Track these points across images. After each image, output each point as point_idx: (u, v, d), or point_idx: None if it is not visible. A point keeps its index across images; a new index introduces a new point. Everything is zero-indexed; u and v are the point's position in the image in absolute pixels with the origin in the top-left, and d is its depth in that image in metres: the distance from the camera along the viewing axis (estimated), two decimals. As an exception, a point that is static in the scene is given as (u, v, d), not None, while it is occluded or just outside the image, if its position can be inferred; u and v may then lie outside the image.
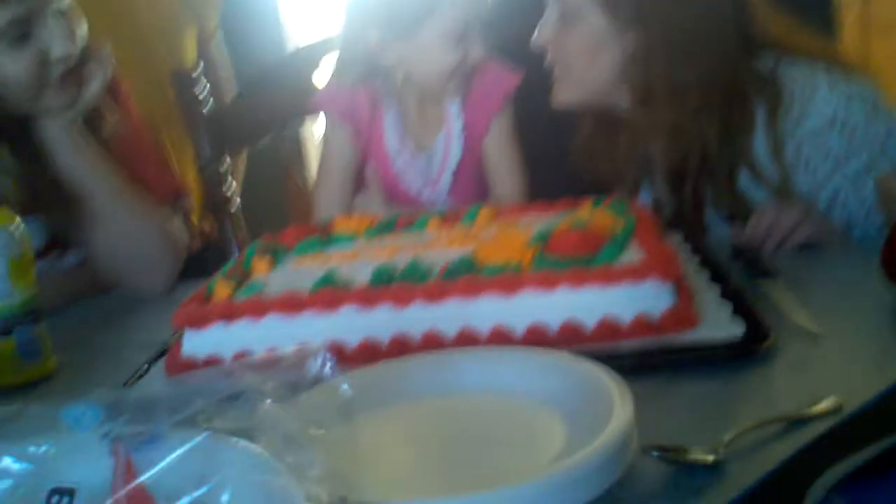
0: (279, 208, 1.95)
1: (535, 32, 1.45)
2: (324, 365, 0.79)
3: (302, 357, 0.77)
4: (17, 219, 1.11)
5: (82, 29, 1.40)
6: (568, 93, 1.46)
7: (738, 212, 1.37)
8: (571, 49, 1.43)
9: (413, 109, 1.55)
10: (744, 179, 1.39)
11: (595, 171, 1.52)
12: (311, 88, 1.69)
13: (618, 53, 1.39)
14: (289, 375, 0.76)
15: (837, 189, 1.34)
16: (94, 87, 1.41)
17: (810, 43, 1.42)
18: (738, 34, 1.38)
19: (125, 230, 1.45)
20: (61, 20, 1.33)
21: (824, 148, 1.33)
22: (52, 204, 1.41)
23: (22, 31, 1.29)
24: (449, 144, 1.55)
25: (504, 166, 1.56)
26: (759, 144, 1.37)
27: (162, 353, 1.08)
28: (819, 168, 1.34)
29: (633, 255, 1.03)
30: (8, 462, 0.66)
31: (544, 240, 1.08)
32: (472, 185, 1.57)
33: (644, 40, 1.37)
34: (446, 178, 1.55)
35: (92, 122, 1.46)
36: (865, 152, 1.32)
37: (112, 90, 1.51)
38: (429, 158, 1.56)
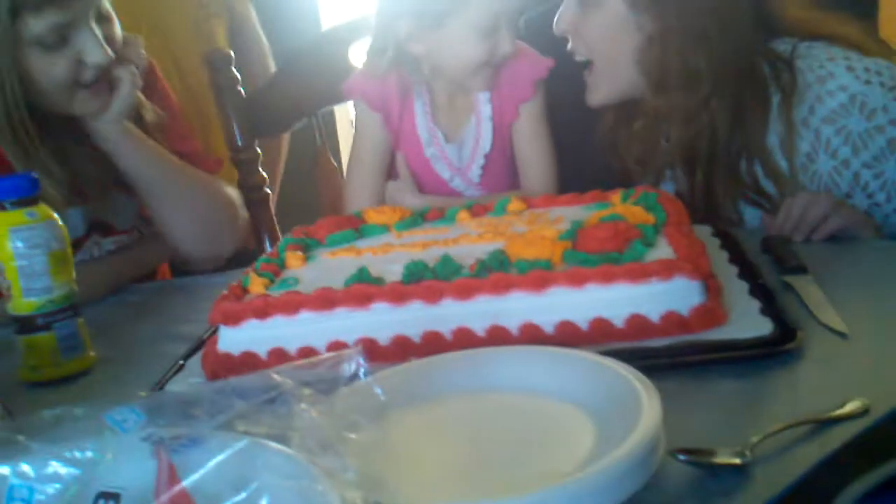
0: (310, 194, 1.95)
1: (555, 19, 1.46)
2: (357, 367, 0.80)
3: (337, 361, 0.79)
4: (56, 215, 1.14)
5: (117, 32, 1.42)
6: (601, 91, 1.46)
7: (751, 201, 1.38)
8: (592, 35, 1.43)
9: (443, 98, 1.55)
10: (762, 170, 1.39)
11: (620, 162, 1.52)
12: (345, 69, 1.69)
13: (637, 39, 1.40)
14: (324, 378, 0.78)
15: (858, 171, 1.33)
16: (124, 92, 1.44)
17: (831, 25, 1.41)
18: (754, 19, 1.38)
19: (193, 203, 1.54)
20: (99, 27, 1.35)
21: (844, 129, 1.33)
22: (90, 195, 1.44)
23: (60, 36, 1.31)
24: (479, 133, 1.55)
25: (534, 154, 1.56)
26: (775, 135, 1.37)
27: (197, 348, 1.11)
28: (840, 150, 1.34)
29: (662, 251, 1.03)
30: (56, 466, 0.68)
31: (574, 235, 1.08)
32: (504, 174, 1.57)
33: (660, 24, 1.37)
34: (477, 167, 1.55)
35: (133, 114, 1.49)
36: (886, 133, 1.32)
37: (147, 80, 1.53)
38: (459, 147, 1.56)
